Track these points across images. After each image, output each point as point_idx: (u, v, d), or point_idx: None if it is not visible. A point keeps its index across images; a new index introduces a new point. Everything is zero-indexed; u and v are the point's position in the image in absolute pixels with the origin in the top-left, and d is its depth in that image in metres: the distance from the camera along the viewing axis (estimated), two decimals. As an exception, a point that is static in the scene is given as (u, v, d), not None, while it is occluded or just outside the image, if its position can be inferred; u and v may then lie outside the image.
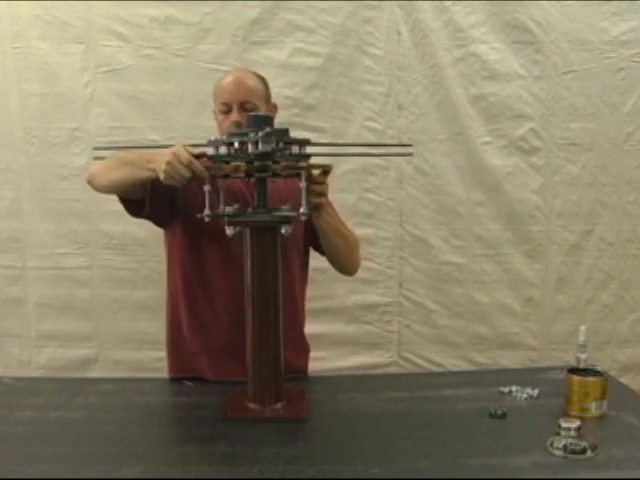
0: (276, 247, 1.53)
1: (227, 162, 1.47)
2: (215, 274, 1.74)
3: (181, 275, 1.77)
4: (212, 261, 1.73)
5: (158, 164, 1.45)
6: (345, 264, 1.89)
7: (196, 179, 1.47)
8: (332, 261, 1.86)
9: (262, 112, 1.69)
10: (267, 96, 1.79)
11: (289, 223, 1.49)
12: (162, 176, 1.45)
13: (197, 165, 1.44)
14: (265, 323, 1.53)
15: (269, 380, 1.53)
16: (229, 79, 1.75)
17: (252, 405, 1.51)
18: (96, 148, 1.61)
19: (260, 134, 1.43)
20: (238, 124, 1.66)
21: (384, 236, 2.83)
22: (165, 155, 1.45)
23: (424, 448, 1.33)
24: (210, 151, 1.49)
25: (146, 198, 1.64)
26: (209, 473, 1.23)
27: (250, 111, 1.67)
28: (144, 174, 1.53)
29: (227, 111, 1.71)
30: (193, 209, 1.56)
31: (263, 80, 1.79)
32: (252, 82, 1.75)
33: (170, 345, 1.83)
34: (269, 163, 1.46)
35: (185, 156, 1.43)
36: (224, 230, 1.59)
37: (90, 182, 1.67)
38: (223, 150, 1.48)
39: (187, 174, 1.44)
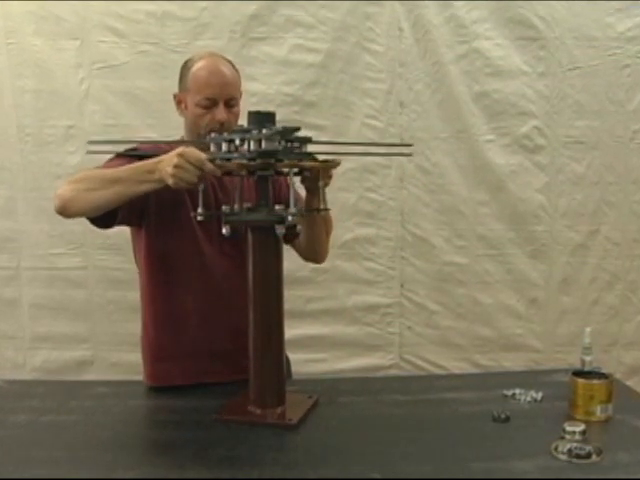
0: (278, 246, 1.49)
1: (228, 160, 1.42)
2: (185, 273, 1.67)
3: (150, 276, 1.69)
4: (182, 260, 1.66)
5: (163, 171, 1.38)
6: (320, 250, 1.82)
7: (205, 179, 1.42)
8: (306, 247, 1.78)
9: (239, 105, 1.67)
10: (240, 85, 1.72)
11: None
12: (171, 181, 1.37)
13: (209, 164, 1.38)
14: (267, 324, 1.49)
15: (270, 383, 1.50)
16: (210, 70, 1.64)
17: (252, 408, 1.48)
18: (91, 142, 1.55)
19: (268, 132, 1.39)
20: (223, 123, 1.61)
21: (385, 236, 2.80)
22: (169, 159, 1.38)
23: (426, 452, 1.31)
24: (212, 148, 1.44)
25: (118, 209, 1.54)
26: (207, 477, 1.21)
27: (232, 107, 1.64)
28: (146, 187, 1.44)
29: (209, 106, 1.63)
30: (165, 207, 1.59)
31: (235, 67, 1.71)
32: (231, 73, 1.67)
33: (144, 351, 1.75)
34: (272, 161, 1.41)
35: (195, 156, 1.36)
36: (196, 228, 1.62)
37: (64, 209, 1.51)
38: (224, 147, 1.43)
39: (197, 174, 1.37)
